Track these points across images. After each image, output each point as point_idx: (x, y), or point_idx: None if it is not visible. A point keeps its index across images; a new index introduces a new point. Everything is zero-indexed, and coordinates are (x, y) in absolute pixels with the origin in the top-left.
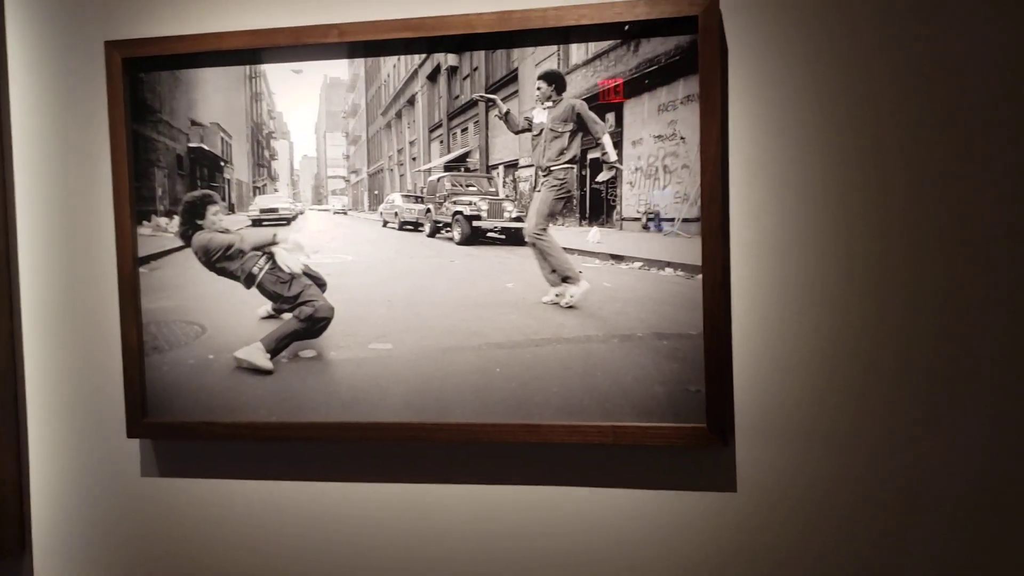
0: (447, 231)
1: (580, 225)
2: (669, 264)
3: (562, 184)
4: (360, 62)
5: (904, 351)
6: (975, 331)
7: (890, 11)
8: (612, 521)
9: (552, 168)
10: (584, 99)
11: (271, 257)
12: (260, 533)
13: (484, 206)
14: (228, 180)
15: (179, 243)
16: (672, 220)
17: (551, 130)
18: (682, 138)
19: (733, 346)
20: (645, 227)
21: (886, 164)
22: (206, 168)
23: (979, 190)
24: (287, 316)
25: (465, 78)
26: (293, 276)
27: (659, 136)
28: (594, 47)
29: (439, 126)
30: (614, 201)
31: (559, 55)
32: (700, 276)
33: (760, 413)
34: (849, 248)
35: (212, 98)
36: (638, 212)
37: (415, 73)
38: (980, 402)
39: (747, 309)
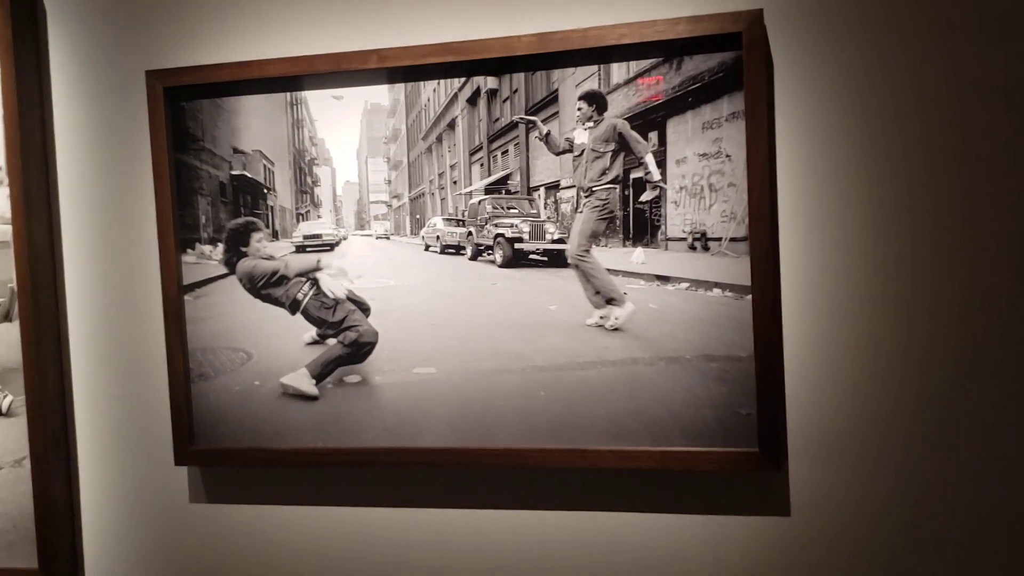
0: (489, 254)
1: (624, 246)
2: (717, 284)
3: (605, 204)
4: (400, 87)
5: (961, 373)
6: None
7: (942, 22)
8: (663, 547)
9: (594, 189)
10: (626, 118)
11: (315, 283)
12: (307, 558)
13: (526, 228)
14: (271, 207)
15: (224, 270)
16: (719, 239)
17: (592, 150)
18: (728, 156)
19: (785, 368)
20: (691, 247)
21: (942, 180)
22: (249, 195)
23: None
24: (332, 341)
25: (505, 100)
26: (337, 301)
27: (704, 154)
28: (635, 66)
29: (479, 149)
30: (658, 221)
31: (599, 75)
32: (749, 296)
33: (814, 436)
34: (904, 266)
35: (254, 126)
36: (683, 232)
37: (455, 97)
38: None
39: (799, 330)
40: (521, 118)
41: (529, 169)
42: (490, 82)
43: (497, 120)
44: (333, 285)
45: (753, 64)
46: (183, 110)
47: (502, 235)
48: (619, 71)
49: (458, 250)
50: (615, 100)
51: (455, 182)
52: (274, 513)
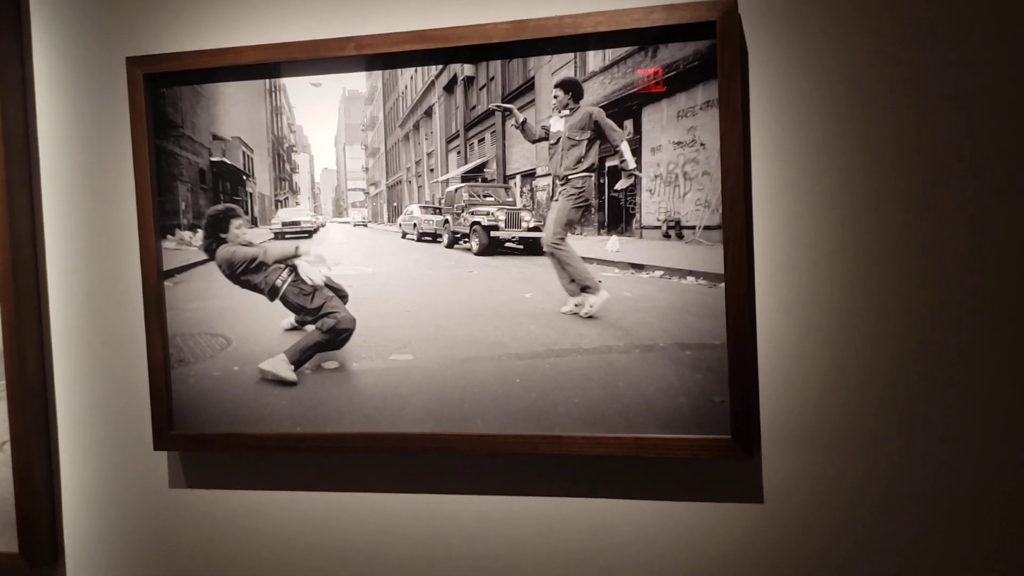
0: (465, 242)
1: (599, 234)
2: (691, 273)
3: (580, 193)
4: (378, 74)
5: (931, 359)
6: (1004, 338)
7: (911, 14)
8: (635, 533)
9: (570, 177)
10: (602, 106)
11: (294, 270)
12: (285, 543)
13: (502, 216)
14: (250, 194)
15: (203, 256)
16: (693, 228)
17: (568, 138)
18: (702, 144)
19: (758, 356)
20: (666, 235)
21: (911, 169)
22: (228, 182)
23: (1011, 195)
24: (310, 328)
25: (481, 88)
26: (315, 288)
27: (679, 143)
28: (611, 54)
29: (456, 137)
30: (633, 209)
31: (576, 63)
32: (723, 284)
33: (786, 423)
34: (875, 254)
35: (233, 112)
36: (658, 220)
37: (432, 84)
38: (1009, 408)
39: (772, 318)
40: (498, 106)
41: (505, 157)
42: (467, 70)
43: (474, 108)
44: (311, 272)
45: (727, 53)
46: (163, 96)
47: (478, 223)
48: (595, 59)
49: (435, 238)
50: (591, 88)
51: (432, 170)
52: (252, 498)
